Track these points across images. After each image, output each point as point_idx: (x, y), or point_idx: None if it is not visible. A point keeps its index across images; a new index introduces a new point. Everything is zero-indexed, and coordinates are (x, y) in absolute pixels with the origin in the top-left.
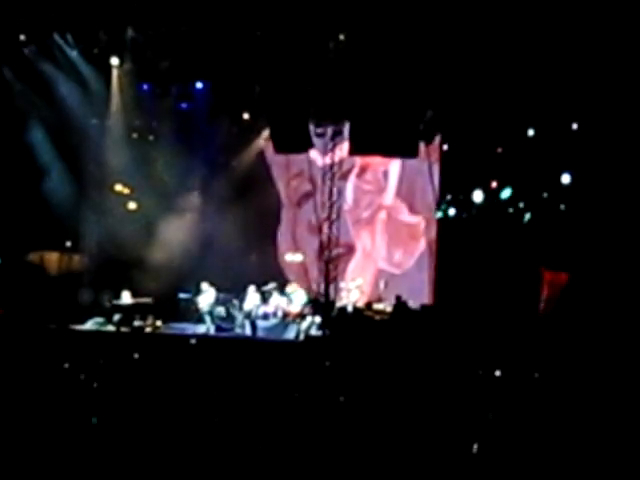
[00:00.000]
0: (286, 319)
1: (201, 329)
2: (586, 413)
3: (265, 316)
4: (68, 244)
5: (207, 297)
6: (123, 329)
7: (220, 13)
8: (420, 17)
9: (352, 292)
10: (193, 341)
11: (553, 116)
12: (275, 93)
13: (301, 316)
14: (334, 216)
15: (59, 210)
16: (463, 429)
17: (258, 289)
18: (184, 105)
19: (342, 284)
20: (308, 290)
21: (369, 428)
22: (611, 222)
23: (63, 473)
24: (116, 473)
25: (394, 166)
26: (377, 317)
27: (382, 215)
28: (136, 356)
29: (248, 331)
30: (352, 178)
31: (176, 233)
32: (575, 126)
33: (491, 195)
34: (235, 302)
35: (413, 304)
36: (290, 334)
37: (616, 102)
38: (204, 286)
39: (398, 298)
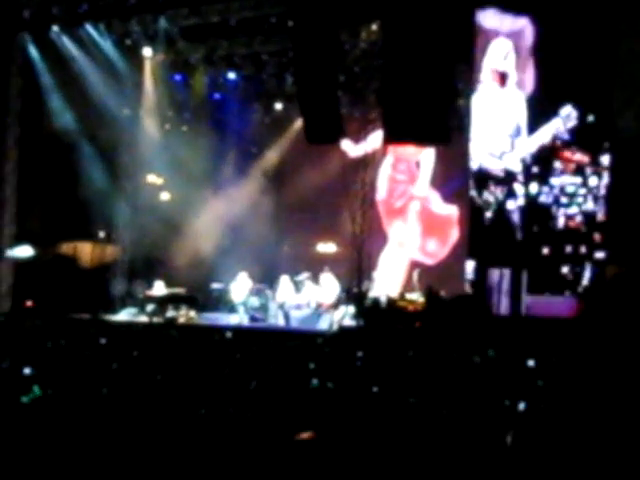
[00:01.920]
0: (319, 309)
1: (234, 319)
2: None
3: (298, 306)
4: (101, 235)
5: (241, 287)
6: (156, 319)
7: (251, 3)
8: (450, 6)
9: (384, 282)
10: (229, 334)
11: None
12: (307, 82)
13: (334, 306)
14: (367, 206)
15: (92, 201)
16: (496, 422)
17: (291, 279)
18: (217, 96)
19: (375, 274)
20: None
21: (402, 420)
22: None
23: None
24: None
25: (427, 156)
26: (410, 307)
27: (415, 205)
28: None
29: (281, 321)
30: (385, 168)
31: (208, 224)
32: None
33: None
34: (268, 292)
35: (446, 294)
36: (323, 324)
37: None
38: (239, 276)
39: (429, 288)
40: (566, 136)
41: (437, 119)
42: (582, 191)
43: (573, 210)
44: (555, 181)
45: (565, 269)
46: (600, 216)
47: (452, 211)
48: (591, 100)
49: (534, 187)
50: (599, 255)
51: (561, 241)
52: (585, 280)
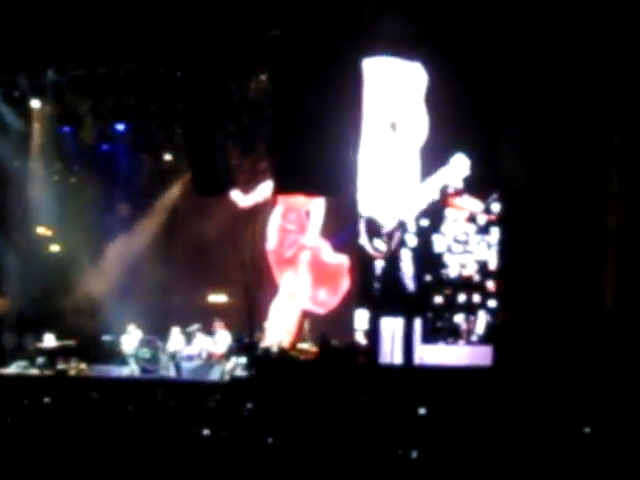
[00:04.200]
0: (210, 360)
1: (125, 371)
2: None
3: (189, 357)
4: None
5: (131, 339)
6: (47, 372)
7: (140, 53)
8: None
9: (276, 332)
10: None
11: None
12: (195, 134)
13: (226, 357)
14: (258, 256)
15: None
16: (390, 470)
17: (182, 330)
18: (105, 147)
19: (266, 324)
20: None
21: (298, 469)
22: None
23: None
24: None
25: (317, 205)
26: (302, 357)
27: (306, 255)
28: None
29: (172, 373)
30: (275, 218)
31: (99, 275)
32: None
33: None
34: (159, 344)
35: (338, 343)
36: (215, 375)
37: None
38: (129, 328)
39: (323, 337)
40: (458, 184)
41: (327, 170)
42: (475, 239)
43: (466, 258)
44: (447, 229)
45: (459, 318)
46: (493, 264)
47: (342, 260)
48: (481, 148)
49: (426, 235)
50: (492, 303)
51: (454, 290)
52: (479, 328)
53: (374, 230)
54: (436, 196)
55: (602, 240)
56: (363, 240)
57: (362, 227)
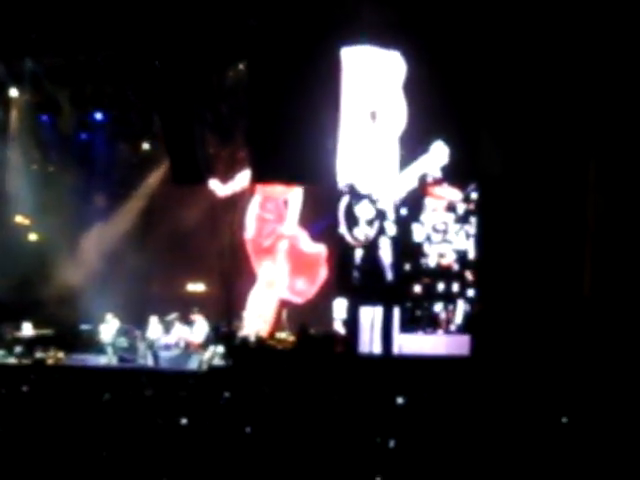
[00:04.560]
0: (188, 349)
1: (103, 360)
2: None
3: (167, 346)
4: None
5: (109, 328)
6: (25, 361)
7: (118, 42)
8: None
9: (253, 321)
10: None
11: None
12: (173, 122)
13: (204, 346)
14: (236, 245)
15: None
16: (367, 459)
17: (160, 319)
18: (84, 135)
19: (244, 314)
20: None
21: (276, 459)
22: None
23: None
24: None
25: (295, 194)
26: (279, 346)
27: (284, 244)
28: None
29: (150, 362)
30: (253, 207)
31: (77, 264)
32: None
33: None
34: (137, 333)
35: (315, 333)
36: (192, 365)
37: None
38: (107, 317)
39: (301, 327)
40: (437, 173)
41: (305, 159)
42: (454, 228)
43: (445, 248)
44: (426, 218)
45: (438, 307)
46: (472, 254)
47: (320, 250)
48: (461, 137)
49: (405, 224)
50: (471, 293)
51: (433, 279)
52: (458, 318)
53: (353, 219)
54: (415, 185)
55: (581, 230)
56: (342, 229)
57: (341, 216)
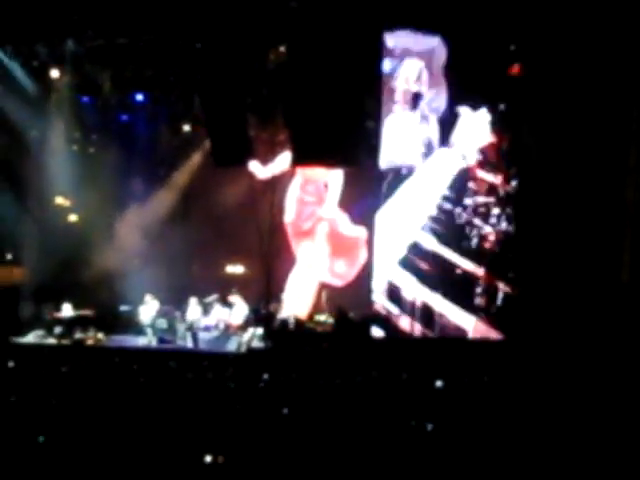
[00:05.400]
0: (227, 331)
1: (142, 341)
2: None
3: (206, 328)
4: (9, 257)
5: (149, 309)
6: (64, 342)
7: (159, 24)
8: (358, 27)
9: (293, 304)
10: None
11: None
12: (214, 105)
13: (243, 328)
14: (275, 228)
15: None
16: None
17: (199, 301)
18: (124, 117)
19: (283, 296)
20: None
21: (314, 441)
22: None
23: None
24: None
25: (335, 177)
26: (319, 329)
27: (324, 227)
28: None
29: (190, 343)
30: (293, 189)
31: (117, 245)
32: None
33: None
34: (177, 314)
35: (355, 316)
36: (232, 346)
37: None
38: (147, 298)
39: (339, 309)
40: (479, 156)
41: (345, 141)
42: (495, 211)
43: (487, 230)
44: (468, 201)
45: (479, 289)
46: (512, 237)
47: (361, 232)
48: (499, 121)
49: (447, 207)
50: (511, 276)
51: (475, 261)
52: (499, 301)
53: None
54: (458, 167)
55: (620, 214)
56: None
57: (383, 199)
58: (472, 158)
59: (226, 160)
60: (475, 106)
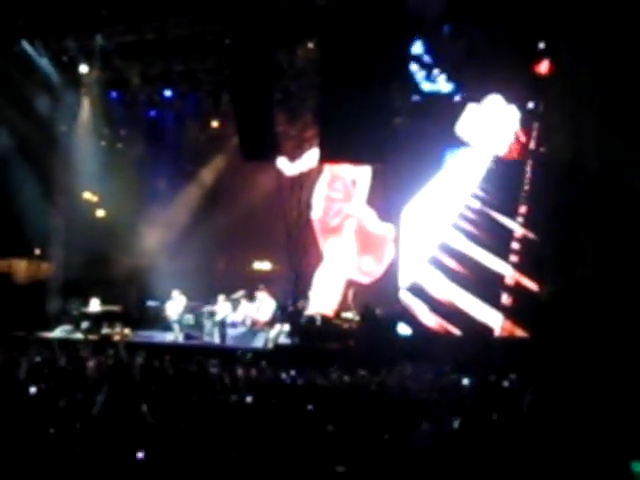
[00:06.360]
0: (254, 327)
1: (169, 337)
2: None
3: (234, 324)
4: (37, 252)
5: (176, 305)
6: (91, 337)
7: (188, 20)
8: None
9: (320, 300)
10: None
11: None
12: (243, 100)
13: (270, 324)
14: (303, 224)
15: (28, 217)
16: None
17: (227, 297)
18: (153, 112)
19: (310, 293)
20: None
21: (340, 439)
22: None
23: None
24: None
25: (363, 174)
26: (346, 326)
27: (351, 224)
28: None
29: (217, 339)
30: (321, 186)
31: (144, 241)
32: None
33: None
34: (204, 310)
35: (381, 313)
36: (259, 342)
37: None
38: (174, 294)
39: (366, 307)
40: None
41: (373, 138)
42: (523, 210)
43: (515, 228)
44: (497, 199)
45: (506, 288)
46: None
47: (388, 229)
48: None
49: (476, 205)
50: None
51: (503, 260)
52: (526, 299)
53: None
54: (487, 165)
55: None
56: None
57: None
58: (501, 154)
59: (254, 155)
60: (503, 103)
